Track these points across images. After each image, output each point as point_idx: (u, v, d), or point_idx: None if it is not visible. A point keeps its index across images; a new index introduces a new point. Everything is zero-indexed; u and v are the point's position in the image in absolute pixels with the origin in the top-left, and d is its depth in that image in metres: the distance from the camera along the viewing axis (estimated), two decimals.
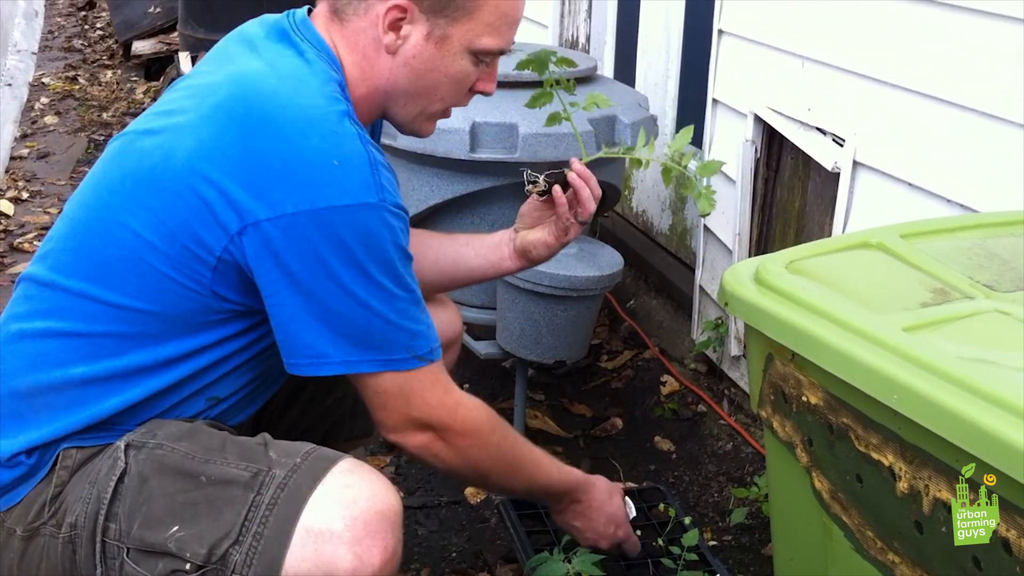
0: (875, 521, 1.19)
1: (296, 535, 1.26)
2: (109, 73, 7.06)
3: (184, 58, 5.24)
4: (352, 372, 1.37)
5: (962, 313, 1.21)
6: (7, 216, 4.29)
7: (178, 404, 1.42)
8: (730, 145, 2.66)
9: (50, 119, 5.86)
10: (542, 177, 1.67)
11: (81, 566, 1.33)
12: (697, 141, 2.16)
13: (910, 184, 1.99)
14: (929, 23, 1.92)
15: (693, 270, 2.99)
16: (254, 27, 1.46)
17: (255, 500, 1.29)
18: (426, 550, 2.24)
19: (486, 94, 1.51)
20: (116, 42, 7.57)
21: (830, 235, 2.21)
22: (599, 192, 1.68)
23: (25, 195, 4.56)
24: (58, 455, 1.37)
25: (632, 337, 3.19)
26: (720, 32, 2.73)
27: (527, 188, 1.69)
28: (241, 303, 1.38)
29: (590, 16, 3.95)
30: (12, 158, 5.09)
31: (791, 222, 2.47)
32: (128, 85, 6.69)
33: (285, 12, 1.46)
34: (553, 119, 1.77)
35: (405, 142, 2.38)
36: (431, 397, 1.42)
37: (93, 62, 7.51)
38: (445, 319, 1.81)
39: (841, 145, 2.18)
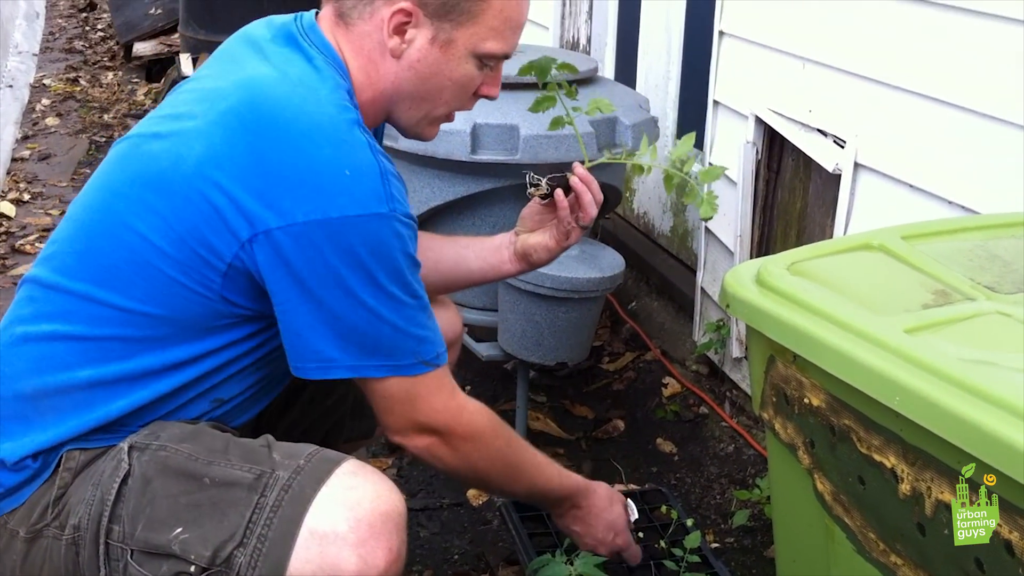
0: (877, 523, 1.19)
1: (300, 537, 1.26)
2: (110, 75, 7.06)
3: (185, 60, 5.23)
4: (359, 376, 1.38)
5: (963, 315, 1.21)
6: (8, 218, 4.29)
7: (183, 406, 1.42)
8: (731, 147, 2.66)
9: (51, 121, 5.86)
10: (544, 180, 1.67)
11: (84, 568, 1.33)
12: (698, 143, 2.16)
13: (911, 186, 1.99)
14: (930, 24, 1.93)
15: (694, 272, 2.99)
16: (260, 29, 1.45)
17: (259, 502, 1.29)
18: (428, 552, 2.25)
19: (490, 98, 1.52)
20: (117, 43, 7.57)
21: (831, 237, 2.21)
22: (601, 197, 1.69)
23: (26, 197, 4.56)
24: (61, 457, 1.37)
25: (634, 339, 3.19)
26: (721, 33, 2.73)
27: (529, 191, 1.69)
28: (250, 308, 1.38)
29: (591, 18, 3.94)
30: (13, 160, 5.09)
31: (792, 224, 2.47)
32: (129, 87, 6.69)
33: (293, 15, 1.46)
34: (556, 123, 1.77)
35: (406, 143, 2.38)
36: (436, 402, 1.43)
37: (94, 63, 7.51)
38: (445, 320, 1.81)
39: (842, 147, 2.18)
